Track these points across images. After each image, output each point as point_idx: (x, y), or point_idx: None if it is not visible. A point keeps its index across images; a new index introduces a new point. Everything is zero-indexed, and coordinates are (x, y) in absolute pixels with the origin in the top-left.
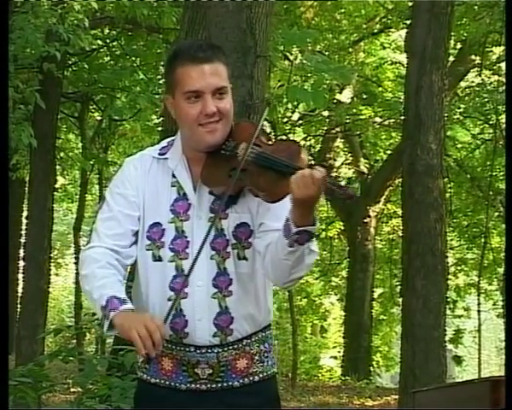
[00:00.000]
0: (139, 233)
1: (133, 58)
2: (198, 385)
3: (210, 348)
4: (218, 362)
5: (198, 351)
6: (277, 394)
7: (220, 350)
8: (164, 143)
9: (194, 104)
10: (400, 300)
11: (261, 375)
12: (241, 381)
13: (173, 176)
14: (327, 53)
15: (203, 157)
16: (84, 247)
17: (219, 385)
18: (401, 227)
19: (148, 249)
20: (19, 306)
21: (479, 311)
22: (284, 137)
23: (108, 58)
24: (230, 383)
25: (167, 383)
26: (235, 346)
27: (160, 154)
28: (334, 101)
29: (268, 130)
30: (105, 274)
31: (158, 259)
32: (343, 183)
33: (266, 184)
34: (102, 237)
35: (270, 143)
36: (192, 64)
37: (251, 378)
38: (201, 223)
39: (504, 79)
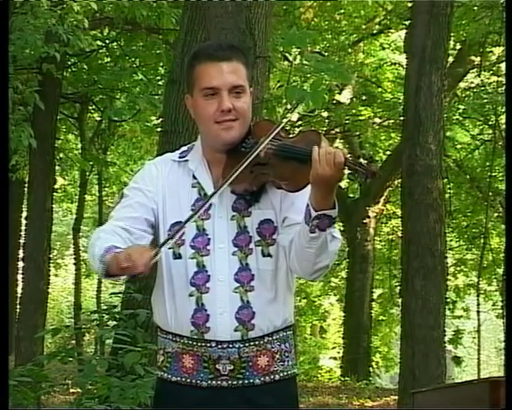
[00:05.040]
0: (160, 232)
1: (132, 59)
2: (219, 382)
3: (231, 344)
4: (240, 358)
5: (219, 346)
6: (297, 394)
7: (241, 346)
8: (184, 147)
9: (210, 101)
10: (400, 300)
11: (281, 374)
12: (261, 379)
13: (194, 177)
14: (326, 53)
15: (223, 159)
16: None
17: (240, 382)
18: (400, 228)
19: (168, 248)
20: (18, 306)
21: (478, 311)
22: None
23: (108, 59)
24: (251, 381)
25: (188, 380)
26: (257, 342)
27: (180, 157)
28: (334, 101)
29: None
30: (109, 236)
31: (178, 256)
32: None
33: (289, 174)
34: (115, 219)
35: (289, 136)
36: (210, 62)
37: (271, 377)
38: (223, 221)
39: (504, 80)
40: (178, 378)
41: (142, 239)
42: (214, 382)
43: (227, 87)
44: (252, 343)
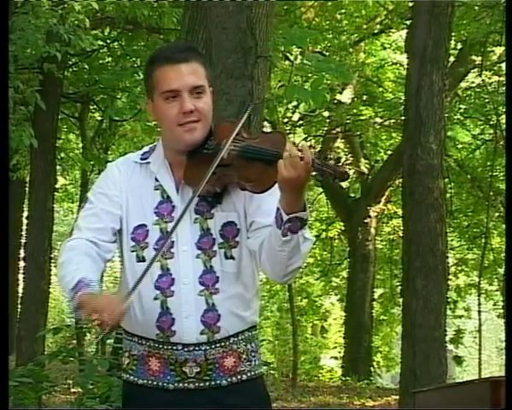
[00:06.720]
0: (123, 235)
1: (134, 58)
2: (186, 384)
3: (197, 346)
4: (206, 360)
5: (186, 349)
6: (267, 394)
7: (208, 348)
8: (146, 148)
9: (172, 103)
10: (401, 300)
11: (249, 374)
12: (228, 380)
13: (156, 180)
14: (327, 53)
15: (184, 160)
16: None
17: (207, 384)
18: (401, 227)
19: (132, 251)
20: (19, 306)
21: (479, 311)
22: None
23: (109, 58)
24: (218, 382)
25: (155, 383)
26: (223, 344)
27: (141, 158)
28: (335, 101)
29: (268, 130)
30: (81, 260)
31: (142, 259)
32: (333, 162)
33: (254, 175)
34: (83, 230)
35: (253, 137)
36: (168, 65)
37: (239, 377)
38: (186, 224)
39: (505, 80)
40: (145, 381)
41: (108, 252)
42: (181, 384)
43: (187, 88)
44: (218, 345)
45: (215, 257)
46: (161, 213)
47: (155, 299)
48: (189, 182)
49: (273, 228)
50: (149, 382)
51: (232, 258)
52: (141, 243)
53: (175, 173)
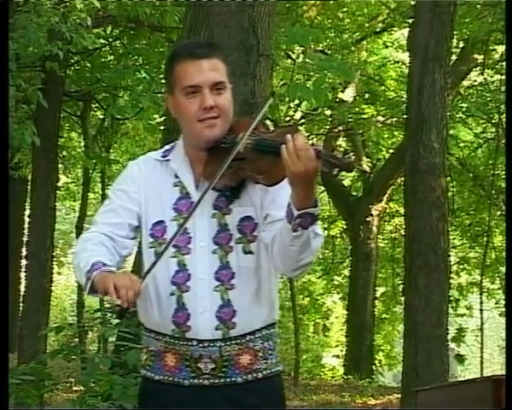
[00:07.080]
0: (143, 232)
1: (136, 57)
2: (201, 380)
3: (212, 342)
4: (221, 357)
5: (201, 345)
6: (282, 393)
7: (223, 344)
8: (167, 146)
9: (192, 99)
10: (403, 298)
11: (265, 372)
12: (244, 377)
13: (176, 176)
14: (329, 52)
15: (204, 156)
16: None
17: (222, 381)
18: (403, 226)
19: (150, 247)
20: (21, 304)
21: (481, 310)
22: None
23: (111, 57)
24: (233, 379)
25: (170, 379)
26: (238, 341)
27: (162, 156)
28: (337, 100)
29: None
30: (95, 248)
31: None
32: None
33: (264, 167)
34: (99, 224)
35: (268, 131)
36: (190, 60)
37: (254, 375)
38: (203, 220)
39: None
40: (161, 377)
41: (124, 248)
42: (196, 380)
43: (208, 84)
44: (233, 342)
45: (231, 253)
46: (180, 209)
47: (171, 294)
48: (208, 177)
49: (284, 223)
50: (165, 378)
51: (251, 253)
52: (159, 240)
53: (195, 169)
